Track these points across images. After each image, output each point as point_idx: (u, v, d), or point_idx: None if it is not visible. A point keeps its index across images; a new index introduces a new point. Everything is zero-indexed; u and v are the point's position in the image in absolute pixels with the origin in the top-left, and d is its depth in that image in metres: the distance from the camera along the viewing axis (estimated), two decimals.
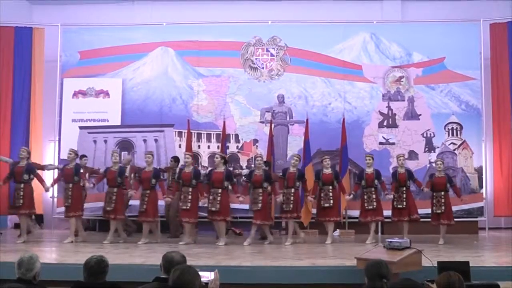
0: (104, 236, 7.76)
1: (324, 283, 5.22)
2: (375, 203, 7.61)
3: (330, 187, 7.62)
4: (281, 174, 7.84)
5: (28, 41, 9.50)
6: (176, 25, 9.58)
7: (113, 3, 10.18)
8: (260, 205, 7.30)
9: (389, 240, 5.20)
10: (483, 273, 4.83)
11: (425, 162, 8.97)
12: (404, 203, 7.59)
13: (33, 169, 7.59)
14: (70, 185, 7.53)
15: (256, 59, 9.42)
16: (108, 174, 7.61)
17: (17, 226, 9.51)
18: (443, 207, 7.48)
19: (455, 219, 8.23)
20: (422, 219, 7.72)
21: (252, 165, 8.92)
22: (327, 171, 7.71)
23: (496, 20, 9.20)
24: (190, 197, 7.29)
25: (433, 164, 8.30)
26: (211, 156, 9.11)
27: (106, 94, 9.42)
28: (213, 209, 7.21)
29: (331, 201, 7.55)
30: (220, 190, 7.23)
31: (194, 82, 9.44)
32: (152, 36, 9.52)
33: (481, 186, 8.94)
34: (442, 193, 7.54)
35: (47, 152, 9.75)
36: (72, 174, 7.54)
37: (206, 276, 2.98)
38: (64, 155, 8.90)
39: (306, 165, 8.51)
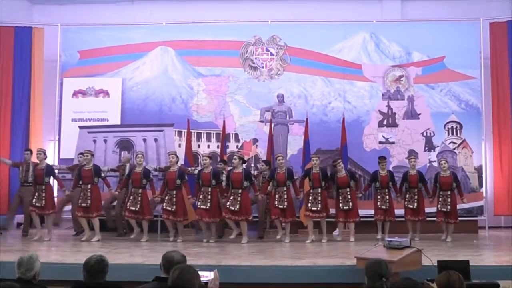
0: (105, 235, 7.77)
1: (324, 282, 5.22)
2: (388, 204, 7.78)
3: (348, 189, 7.64)
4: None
5: (28, 40, 9.49)
6: (175, 24, 9.58)
7: (113, 2, 10.17)
8: (286, 203, 7.37)
9: (389, 239, 5.20)
10: (483, 272, 4.83)
11: (425, 161, 8.97)
12: (416, 203, 7.73)
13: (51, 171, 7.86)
14: (89, 186, 7.56)
15: (256, 58, 9.42)
16: (133, 175, 7.65)
17: (19, 225, 9.54)
18: (449, 206, 7.58)
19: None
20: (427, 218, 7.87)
21: (252, 165, 8.96)
22: (341, 174, 7.69)
23: (496, 19, 9.20)
24: (209, 197, 7.36)
25: (436, 164, 8.34)
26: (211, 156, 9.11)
27: (106, 93, 9.42)
28: (234, 208, 7.27)
29: (350, 203, 7.58)
30: (240, 191, 7.33)
31: (193, 82, 9.44)
32: (151, 36, 9.52)
33: (481, 185, 8.94)
34: (449, 192, 7.66)
35: (47, 152, 9.72)
36: (91, 176, 7.59)
37: (206, 275, 2.99)
38: (64, 155, 8.92)
39: (306, 164, 8.50)
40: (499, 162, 9.07)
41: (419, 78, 9.24)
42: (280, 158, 7.64)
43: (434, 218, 7.78)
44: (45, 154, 7.89)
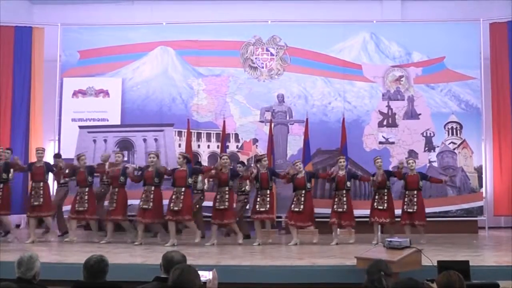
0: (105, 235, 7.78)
1: (324, 282, 5.22)
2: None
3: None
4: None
5: (28, 40, 9.50)
6: (175, 24, 9.58)
7: (113, 2, 10.18)
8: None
9: (389, 239, 5.20)
10: (483, 273, 4.83)
11: (424, 162, 8.97)
12: (415, 207, 7.46)
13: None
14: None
15: (256, 58, 9.42)
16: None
17: (17, 226, 9.53)
18: (415, 207, 7.42)
19: (455, 219, 8.26)
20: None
21: (252, 165, 8.91)
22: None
23: (496, 19, 9.20)
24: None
25: (436, 164, 8.25)
26: (211, 156, 9.12)
27: (106, 93, 9.42)
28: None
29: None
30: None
31: (194, 82, 9.44)
32: (151, 36, 9.52)
33: (481, 186, 8.94)
34: (415, 192, 7.48)
35: (47, 152, 9.72)
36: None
37: (205, 275, 2.98)
38: (64, 155, 8.89)
39: (305, 164, 8.50)
40: (499, 162, 9.07)
41: (419, 78, 9.24)
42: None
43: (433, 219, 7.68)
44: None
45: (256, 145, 9.23)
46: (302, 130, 8.96)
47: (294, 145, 9.16)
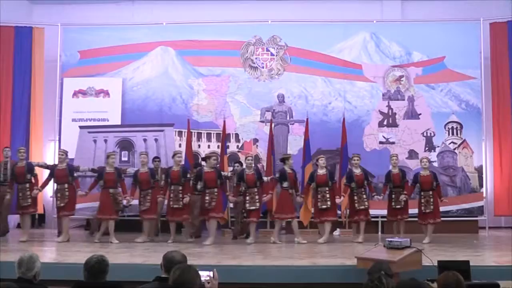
0: (105, 236, 7.77)
1: (324, 282, 5.22)
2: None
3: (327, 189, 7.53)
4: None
5: (28, 40, 9.49)
6: (176, 24, 9.58)
7: (113, 2, 10.17)
8: (258, 204, 7.43)
9: (389, 239, 5.20)
10: (483, 273, 4.83)
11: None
12: (432, 206, 7.51)
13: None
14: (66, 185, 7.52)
15: (256, 58, 9.42)
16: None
17: (19, 226, 9.51)
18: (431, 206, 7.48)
19: (456, 219, 8.24)
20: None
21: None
22: (322, 171, 7.61)
23: (496, 19, 9.19)
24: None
25: (436, 164, 8.28)
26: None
27: (106, 93, 9.42)
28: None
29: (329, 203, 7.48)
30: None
31: (194, 82, 9.44)
32: (152, 36, 9.52)
33: (481, 186, 8.94)
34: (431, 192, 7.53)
35: (47, 152, 9.75)
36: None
37: (205, 275, 2.98)
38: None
39: (306, 164, 8.51)
40: (499, 162, 9.07)
41: (419, 78, 9.24)
42: (249, 158, 7.64)
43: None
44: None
45: (257, 145, 9.23)
46: (303, 130, 8.95)
47: (294, 145, 9.16)
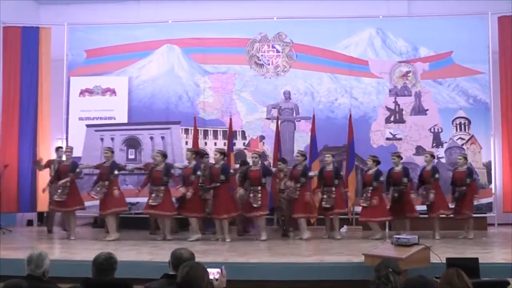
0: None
1: (331, 279, 5.21)
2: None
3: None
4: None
5: (35, 40, 9.54)
6: (181, 22, 9.57)
7: (119, 1, 10.18)
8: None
9: (397, 236, 5.18)
10: (492, 270, 4.80)
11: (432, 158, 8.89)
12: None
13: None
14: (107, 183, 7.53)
15: (262, 55, 9.40)
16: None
17: (29, 223, 9.61)
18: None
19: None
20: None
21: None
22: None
23: (504, 13, 9.07)
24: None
25: (444, 160, 8.28)
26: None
27: (113, 92, 9.45)
28: (255, 205, 7.34)
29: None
30: (259, 187, 7.38)
31: (200, 79, 9.44)
32: (157, 34, 9.53)
33: (490, 182, 8.86)
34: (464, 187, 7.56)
35: (55, 150, 9.79)
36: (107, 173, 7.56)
37: (213, 272, 2.99)
38: (72, 153, 8.92)
39: (312, 161, 8.49)
40: (508, 158, 8.96)
41: (426, 74, 9.17)
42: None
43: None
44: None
45: (263, 142, 9.22)
46: (309, 126, 8.93)
47: (301, 142, 9.13)
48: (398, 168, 7.72)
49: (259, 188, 7.39)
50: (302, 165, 7.64)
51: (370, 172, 7.73)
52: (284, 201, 7.89)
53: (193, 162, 7.56)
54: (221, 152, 7.60)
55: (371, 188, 7.58)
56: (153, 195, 7.42)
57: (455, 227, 7.81)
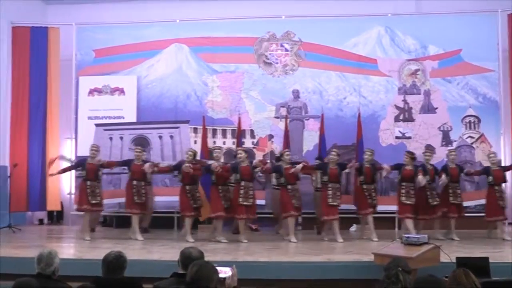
0: (122, 232, 7.85)
1: (341, 278, 5.19)
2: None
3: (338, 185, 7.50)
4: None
5: (43, 40, 9.59)
6: (189, 21, 9.57)
7: (127, 1, 10.22)
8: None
9: (407, 235, 5.15)
10: (503, 269, 4.76)
11: (442, 156, 8.81)
12: (459, 198, 7.63)
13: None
14: (143, 183, 7.60)
15: (270, 54, 9.39)
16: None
17: (41, 222, 9.70)
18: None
19: (474, 214, 8.13)
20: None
21: (268, 161, 8.85)
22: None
23: None
24: (251, 193, 7.27)
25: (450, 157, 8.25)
26: (227, 152, 9.11)
27: (121, 91, 9.49)
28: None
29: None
30: (250, 184, 7.35)
31: (208, 78, 9.45)
32: (165, 33, 9.55)
33: None
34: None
35: (64, 150, 9.86)
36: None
37: (224, 271, 2.99)
38: (80, 152, 8.99)
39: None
40: None
41: (435, 72, 9.10)
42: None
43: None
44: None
45: (272, 141, 9.21)
46: (318, 125, 8.91)
47: (309, 140, 9.11)
48: (409, 167, 7.64)
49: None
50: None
51: (408, 168, 7.59)
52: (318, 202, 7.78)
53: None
54: (245, 150, 7.58)
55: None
56: (189, 194, 7.34)
57: (462, 226, 7.73)
